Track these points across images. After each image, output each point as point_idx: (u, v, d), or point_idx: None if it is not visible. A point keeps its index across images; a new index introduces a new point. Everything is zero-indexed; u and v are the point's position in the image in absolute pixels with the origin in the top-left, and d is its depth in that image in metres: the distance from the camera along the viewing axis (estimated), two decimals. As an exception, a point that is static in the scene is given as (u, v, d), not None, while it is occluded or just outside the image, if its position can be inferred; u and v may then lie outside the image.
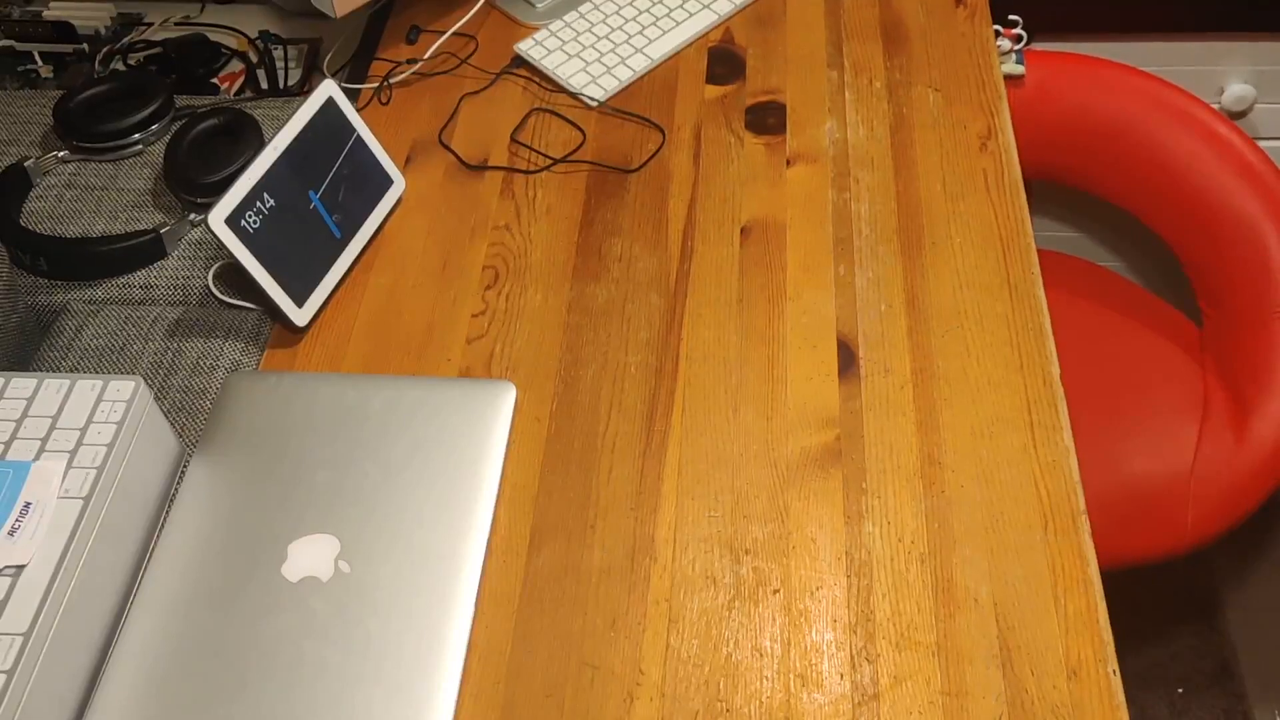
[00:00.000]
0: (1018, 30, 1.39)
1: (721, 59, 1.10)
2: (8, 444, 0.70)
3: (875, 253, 0.92)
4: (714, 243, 0.94)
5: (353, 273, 0.93)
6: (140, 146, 1.01)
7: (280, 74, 1.12)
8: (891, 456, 0.79)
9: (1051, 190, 1.56)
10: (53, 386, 0.73)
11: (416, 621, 0.69)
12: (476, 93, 1.08)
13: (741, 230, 0.94)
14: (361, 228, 0.94)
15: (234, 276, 0.91)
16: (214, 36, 1.15)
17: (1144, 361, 1.44)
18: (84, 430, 0.71)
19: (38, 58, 1.14)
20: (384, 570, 0.71)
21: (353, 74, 1.11)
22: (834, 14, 1.14)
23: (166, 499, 0.77)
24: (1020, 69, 1.41)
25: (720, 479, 0.79)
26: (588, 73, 1.08)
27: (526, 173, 1.01)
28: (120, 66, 1.12)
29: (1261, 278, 1.37)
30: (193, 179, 0.94)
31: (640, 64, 1.09)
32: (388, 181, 0.96)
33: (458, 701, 0.67)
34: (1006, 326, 0.86)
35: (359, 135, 0.93)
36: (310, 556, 0.72)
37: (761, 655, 0.71)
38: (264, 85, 1.11)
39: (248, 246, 0.84)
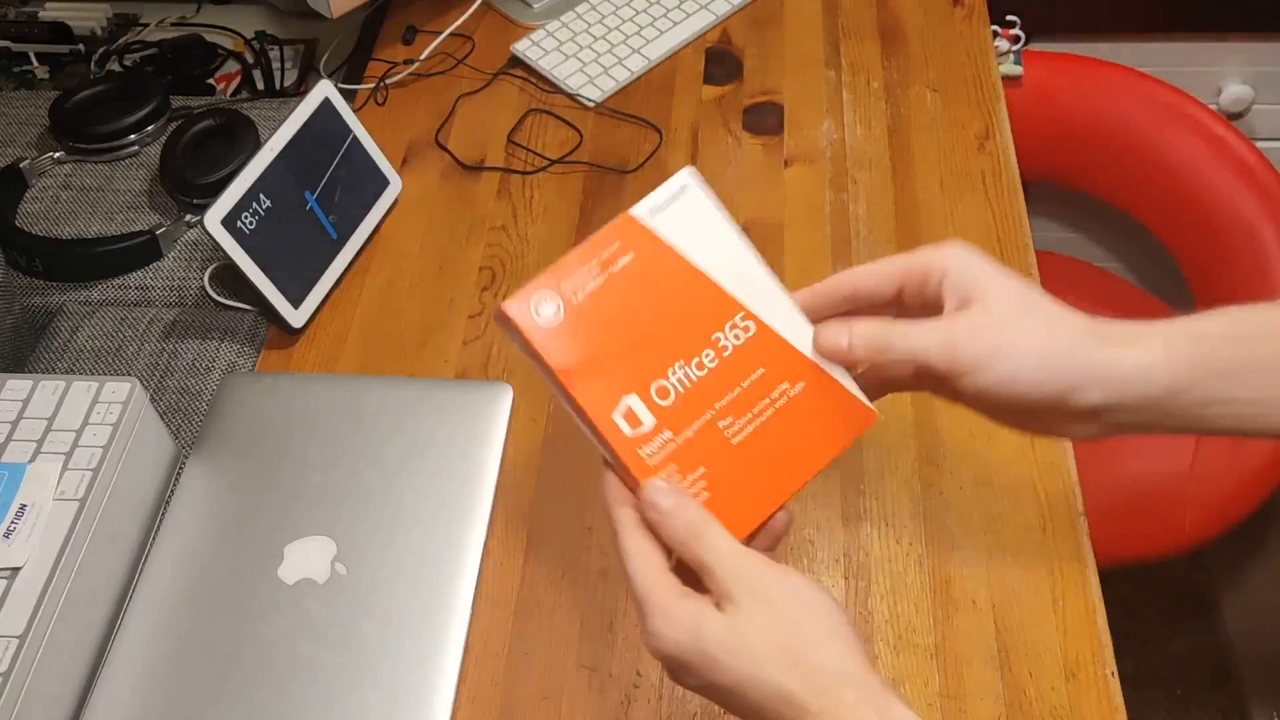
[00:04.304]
0: (1016, 30, 1.39)
1: (719, 59, 1.10)
2: (3, 446, 0.70)
3: (873, 253, 0.92)
4: (711, 243, 0.93)
5: (349, 274, 0.93)
6: (136, 147, 1.01)
7: (276, 75, 1.12)
8: (889, 458, 0.79)
9: (1050, 191, 1.56)
10: (48, 388, 0.73)
11: (413, 624, 0.69)
12: (473, 93, 1.08)
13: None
14: (358, 229, 0.93)
15: (230, 278, 0.90)
16: (210, 37, 1.15)
17: (1142, 362, 1.43)
18: (79, 432, 0.71)
19: (33, 58, 1.14)
20: (380, 572, 0.71)
21: (349, 74, 1.10)
22: (831, 14, 1.14)
23: (162, 501, 0.77)
24: (1018, 69, 1.41)
25: (718, 480, 0.78)
26: (585, 73, 1.08)
27: (523, 173, 1.00)
28: (116, 67, 1.12)
29: (1260, 278, 1.37)
30: (189, 180, 0.94)
31: (637, 64, 1.09)
32: (384, 182, 0.96)
33: (455, 704, 0.66)
34: (1004, 327, 0.86)
35: (355, 136, 0.93)
36: (306, 558, 0.72)
37: (759, 657, 0.70)
38: (260, 86, 1.11)
39: (244, 248, 0.83)
